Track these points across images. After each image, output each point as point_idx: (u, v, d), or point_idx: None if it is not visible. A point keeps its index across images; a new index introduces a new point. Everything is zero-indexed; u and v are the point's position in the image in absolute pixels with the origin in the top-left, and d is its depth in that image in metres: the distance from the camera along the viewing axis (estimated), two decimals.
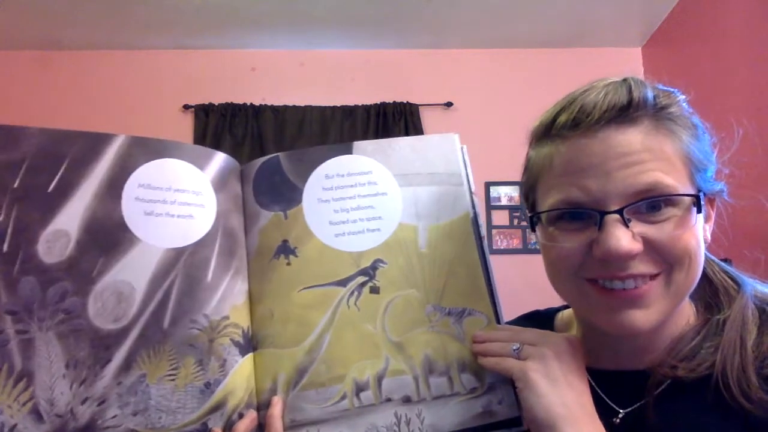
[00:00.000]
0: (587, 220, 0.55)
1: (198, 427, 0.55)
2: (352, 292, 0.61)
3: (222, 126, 2.96)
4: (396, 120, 2.98)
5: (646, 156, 0.53)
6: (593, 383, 0.59)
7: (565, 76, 2.95)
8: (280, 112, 3.01)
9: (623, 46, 3.11)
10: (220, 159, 0.63)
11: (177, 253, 0.57)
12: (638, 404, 0.58)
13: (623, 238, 0.52)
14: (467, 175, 0.67)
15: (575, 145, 0.55)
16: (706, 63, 2.47)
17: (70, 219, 0.54)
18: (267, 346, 0.60)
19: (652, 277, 0.54)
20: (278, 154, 0.65)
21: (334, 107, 3.02)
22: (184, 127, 2.96)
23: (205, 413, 0.55)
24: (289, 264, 0.61)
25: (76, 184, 0.55)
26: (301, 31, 2.95)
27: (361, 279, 0.61)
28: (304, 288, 0.61)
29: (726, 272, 0.63)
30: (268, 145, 2.94)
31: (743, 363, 0.53)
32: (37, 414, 0.49)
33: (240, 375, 0.58)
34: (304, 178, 0.64)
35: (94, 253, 0.54)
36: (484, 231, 0.66)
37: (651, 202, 0.53)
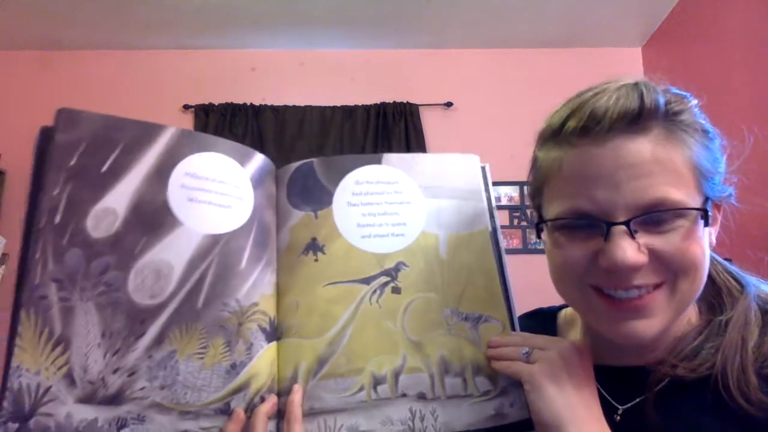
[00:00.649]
0: (594, 230, 0.55)
1: (221, 406, 0.57)
2: (375, 291, 0.63)
3: (222, 126, 2.96)
4: (396, 120, 2.98)
5: (656, 168, 0.52)
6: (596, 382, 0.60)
7: (565, 76, 2.96)
8: (280, 112, 3.01)
9: (623, 46, 3.12)
10: (259, 159, 0.66)
11: (214, 239, 0.60)
12: (638, 400, 0.59)
13: (629, 249, 0.52)
14: (488, 192, 0.70)
15: (584, 153, 0.55)
16: (706, 63, 2.47)
17: (119, 199, 0.57)
18: (291, 336, 0.62)
19: (656, 286, 0.54)
20: (312, 159, 0.69)
21: (334, 107, 3.02)
22: (184, 127, 2.95)
23: (229, 393, 0.57)
24: (316, 260, 0.64)
25: (127, 167, 0.58)
26: (301, 31, 2.95)
27: (383, 279, 0.64)
28: (330, 283, 0.63)
29: (730, 273, 0.63)
30: (268, 145, 2.94)
31: (743, 364, 0.53)
32: (70, 378, 0.52)
33: (264, 360, 0.60)
34: (336, 182, 0.68)
35: (139, 232, 0.57)
36: (504, 243, 0.68)
37: (658, 216, 0.53)
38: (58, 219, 0.54)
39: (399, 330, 0.62)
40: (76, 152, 0.56)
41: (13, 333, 0.51)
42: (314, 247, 0.65)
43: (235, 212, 0.62)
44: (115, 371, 0.53)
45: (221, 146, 0.64)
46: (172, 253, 0.57)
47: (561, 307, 0.76)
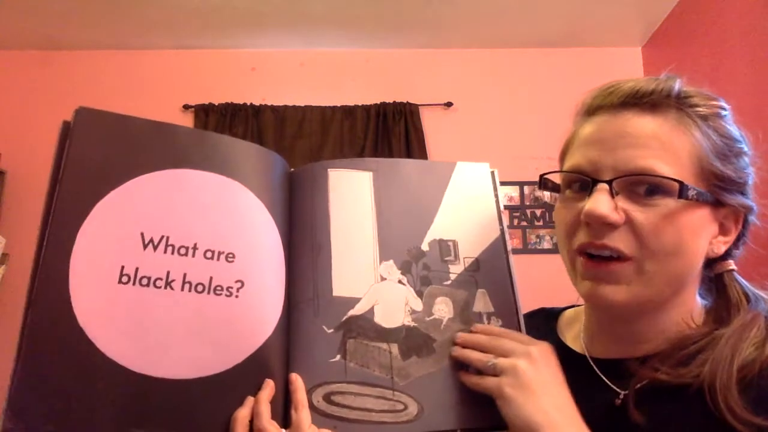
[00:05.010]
0: (584, 190, 0.59)
1: None
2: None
3: (222, 126, 2.95)
4: (396, 120, 2.98)
5: (653, 143, 0.56)
6: (596, 369, 0.62)
7: (565, 76, 2.96)
8: (280, 112, 3.01)
9: (623, 46, 3.11)
10: None
11: None
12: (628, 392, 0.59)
13: (602, 202, 0.56)
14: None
15: (597, 121, 0.60)
16: (706, 63, 2.47)
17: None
18: None
19: (625, 259, 0.56)
20: None
21: (334, 107, 3.02)
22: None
23: None
24: None
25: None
26: (301, 31, 2.95)
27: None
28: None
29: (742, 288, 0.62)
30: (268, 145, 2.93)
31: (729, 380, 0.53)
32: None
33: None
34: None
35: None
36: (510, 246, 0.69)
37: (645, 186, 0.55)
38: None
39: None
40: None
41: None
42: None
43: None
44: None
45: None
46: None
47: (564, 309, 0.76)
